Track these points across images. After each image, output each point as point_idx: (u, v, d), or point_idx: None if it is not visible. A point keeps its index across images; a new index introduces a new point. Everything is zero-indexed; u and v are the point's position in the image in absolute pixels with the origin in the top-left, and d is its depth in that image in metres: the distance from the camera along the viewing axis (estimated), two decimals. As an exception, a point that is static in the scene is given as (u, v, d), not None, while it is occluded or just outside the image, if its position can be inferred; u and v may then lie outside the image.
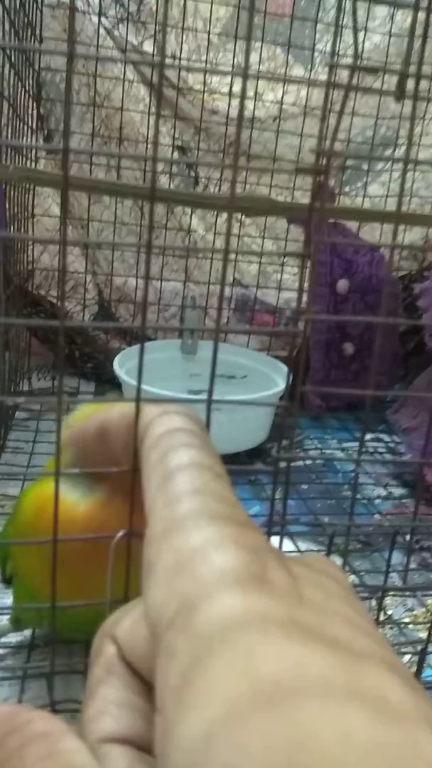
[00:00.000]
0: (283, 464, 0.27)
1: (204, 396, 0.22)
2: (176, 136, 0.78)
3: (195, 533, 0.14)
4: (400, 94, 0.21)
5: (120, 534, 0.25)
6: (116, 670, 0.16)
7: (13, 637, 0.36)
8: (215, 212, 0.81)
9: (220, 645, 0.12)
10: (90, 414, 0.24)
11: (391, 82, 0.63)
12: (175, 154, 0.79)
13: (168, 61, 0.76)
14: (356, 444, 0.70)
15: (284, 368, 0.72)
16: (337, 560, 0.47)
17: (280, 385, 0.69)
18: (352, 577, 0.45)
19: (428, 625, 0.36)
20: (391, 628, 0.41)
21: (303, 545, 0.49)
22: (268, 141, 0.76)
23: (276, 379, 0.71)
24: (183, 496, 0.16)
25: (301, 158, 0.75)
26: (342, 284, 0.77)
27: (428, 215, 0.74)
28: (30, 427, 0.67)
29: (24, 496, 0.31)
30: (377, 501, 0.57)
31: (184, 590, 0.13)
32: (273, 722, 0.10)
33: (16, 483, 0.54)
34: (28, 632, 0.36)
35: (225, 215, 0.79)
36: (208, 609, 0.13)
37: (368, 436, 0.73)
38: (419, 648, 0.35)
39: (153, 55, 0.76)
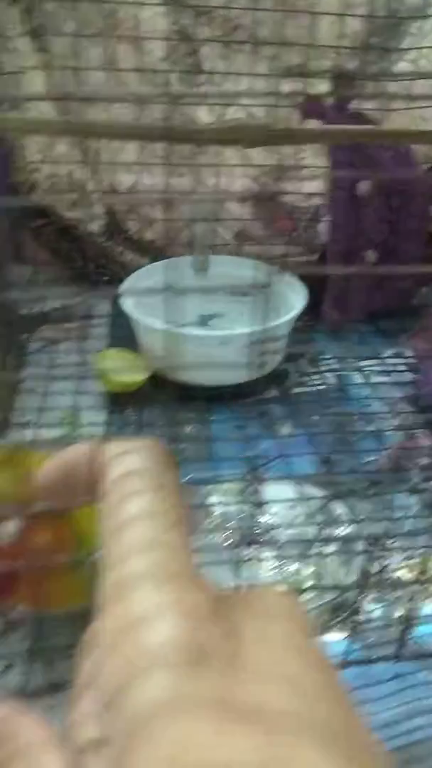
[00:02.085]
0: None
1: (216, 323, 0.21)
2: (173, 21, 0.69)
3: (139, 599, 0.15)
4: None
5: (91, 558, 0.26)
6: (95, 683, 0.17)
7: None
8: (225, 105, 0.74)
9: (147, 733, 0.12)
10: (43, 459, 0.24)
11: None
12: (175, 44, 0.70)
13: None
14: (376, 362, 0.68)
15: (300, 285, 0.68)
16: (341, 507, 0.48)
17: (296, 306, 0.66)
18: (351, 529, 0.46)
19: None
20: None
21: (309, 490, 0.49)
22: (276, 22, 0.66)
23: (291, 298, 0.68)
24: (131, 554, 0.16)
25: (317, 40, 0.66)
26: (363, 186, 0.70)
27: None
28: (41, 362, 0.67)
29: None
30: (388, 433, 0.56)
31: (123, 665, 0.14)
32: None
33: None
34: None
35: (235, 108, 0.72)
36: (139, 692, 0.13)
37: (388, 351, 0.71)
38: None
39: None
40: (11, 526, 0.26)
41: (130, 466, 0.19)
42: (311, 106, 0.66)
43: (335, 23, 0.65)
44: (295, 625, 0.15)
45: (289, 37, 0.66)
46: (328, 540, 0.45)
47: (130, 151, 0.77)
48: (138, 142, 0.74)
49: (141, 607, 0.14)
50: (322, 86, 0.69)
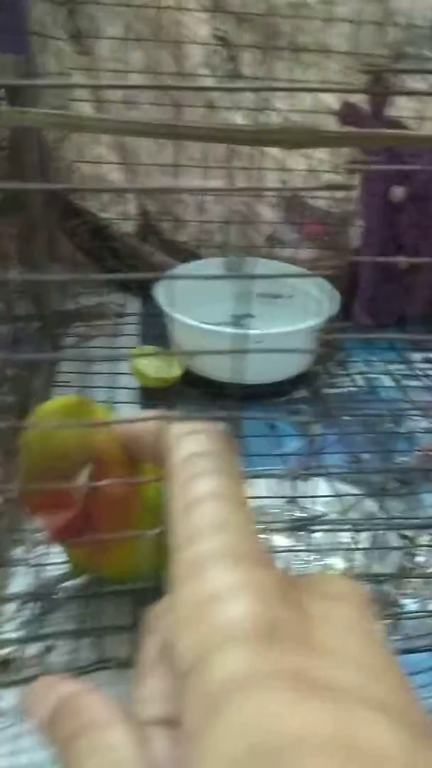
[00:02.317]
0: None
1: (249, 323, 0.22)
2: (216, 26, 0.70)
3: (213, 578, 0.15)
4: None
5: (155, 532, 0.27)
6: (161, 657, 0.18)
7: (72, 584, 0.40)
8: (261, 110, 0.75)
9: (225, 704, 0.13)
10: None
11: None
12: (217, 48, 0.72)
13: None
14: (404, 366, 0.69)
15: (333, 289, 0.69)
16: (374, 504, 0.48)
17: (326, 306, 0.67)
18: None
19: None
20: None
21: (342, 487, 0.50)
22: (317, 30, 0.68)
23: (323, 301, 0.69)
24: (203, 533, 0.16)
25: (356, 48, 0.67)
26: (397, 192, 0.71)
27: None
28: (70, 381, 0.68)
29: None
30: (419, 434, 0.57)
31: (199, 641, 0.14)
32: None
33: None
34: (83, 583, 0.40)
35: (268, 113, 0.73)
36: (216, 666, 0.13)
37: (417, 356, 0.71)
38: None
39: None
40: (83, 476, 0.27)
41: (196, 447, 0.19)
42: (349, 113, 0.67)
43: (376, 32, 0.66)
44: (358, 609, 0.16)
45: (328, 45, 0.67)
46: (359, 529, 0.45)
47: (166, 154, 0.78)
48: (175, 144, 0.76)
49: (214, 585, 0.15)
50: (358, 96, 0.70)
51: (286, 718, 0.12)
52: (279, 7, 0.68)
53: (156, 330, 0.68)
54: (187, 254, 0.83)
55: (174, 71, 0.72)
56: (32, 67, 0.60)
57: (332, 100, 0.73)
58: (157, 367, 0.62)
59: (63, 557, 0.38)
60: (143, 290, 0.83)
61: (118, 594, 0.38)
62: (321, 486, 0.50)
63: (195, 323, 0.61)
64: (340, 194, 0.78)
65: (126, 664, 0.34)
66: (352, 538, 0.44)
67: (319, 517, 0.47)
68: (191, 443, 0.19)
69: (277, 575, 0.16)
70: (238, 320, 0.73)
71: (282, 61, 0.70)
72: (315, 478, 0.51)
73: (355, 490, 0.49)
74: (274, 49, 0.69)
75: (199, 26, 0.71)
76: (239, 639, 0.14)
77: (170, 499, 0.18)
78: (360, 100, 0.69)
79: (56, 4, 0.68)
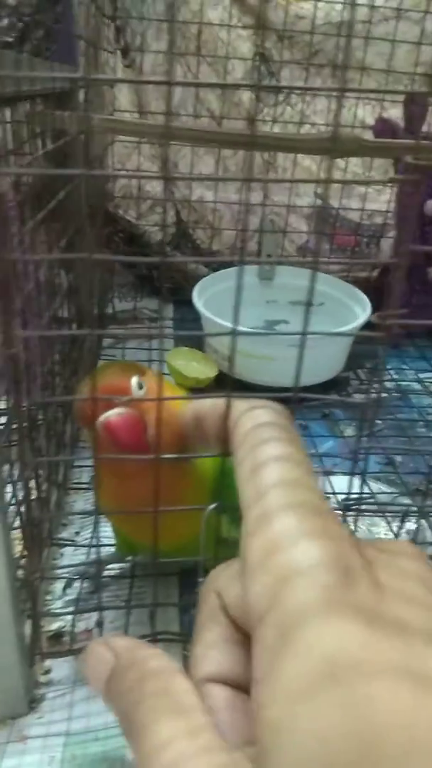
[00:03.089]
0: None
1: (281, 329, 0.23)
2: (258, 43, 0.73)
3: (283, 523, 0.16)
4: None
5: (210, 507, 0.28)
6: (217, 619, 0.19)
7: (117, 565, 0.41)
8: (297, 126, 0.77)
9: (301, 630, 0.14)
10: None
11: None
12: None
13: None
14: (433, 375, 0.70)
15: (363, 297, 0.71)
16: (407, 500, 0.49)
17: (359, 314, 0.68)
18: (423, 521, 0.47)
19: None
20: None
21: (375, 486, 0.51)
22: (356, 48, 0.70)
23: (354, 308, 0.71)
24: (271, 489, 0.17)
25: (392, 66, 0.69)
26: (430, 205, 0.73)
27: None
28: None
29: None
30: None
31: (272, 581, 0.15)
32: (340, 699, 0.12)
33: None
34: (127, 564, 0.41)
35: (306, 126, 0.75)
36: (293, 597, 0.14)
37: (447, 366, 0.72)
38: None
39: None
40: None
41: (261, 419, 0.20)
42: (383, 127, 0.69)
43: (411, 51, 0.69)
44: (418, 561, 0.17)
45: (367, 63, 0.69)
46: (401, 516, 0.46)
47: (202, 165, 0.80)
48: (216, 156, 0.78)
49: (288, 530, 0.15)
50: (393, 110, 0.73)
51: (359, 644, 0.13)
52: (319, 26, 0.70)
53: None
54: (221, 262, 0.85)
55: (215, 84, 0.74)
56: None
57: (368, 116, 0.75)
58: (194, 368, 0.64)
59: (110, 539, 0.40)
60: (175, 296, 0.85)
61: (165, 574, 0.39)
62: (355, 484, 0.51)
63: (231, 326, 0.62)
64: (371, 206, 0.80)
65: (176, 638, 0.35)
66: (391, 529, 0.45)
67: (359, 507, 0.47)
68: (258, 415, 0.21)
69: (342, 524, 0.16)
70: (271, 326, 0.75)
71: (320, 77, 0.72)
72: (348, 477, 0.51)
73: (390, 489, 0.50)
74: (312, 65, 0.71)
75: (240, 43, 0.74)
76: (314, 574, 0.14)
77: (238, 464, 0.19)
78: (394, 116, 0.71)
79: (106, 18, 0.71)
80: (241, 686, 0.17)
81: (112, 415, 0.28)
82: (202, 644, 0.18)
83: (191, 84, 0.77)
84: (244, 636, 0.18)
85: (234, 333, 0.25)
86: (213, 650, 0.18)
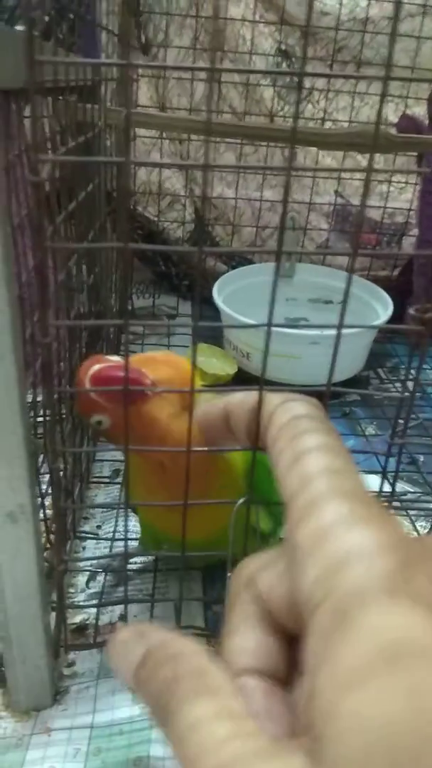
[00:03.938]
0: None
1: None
2: (280, 39, 0.73)
3: (335, 509, 0.15)
4: None
5: (241, 501, 0.28)
6: (250, 610, 0.18)
7: (140, 559, 0.41)
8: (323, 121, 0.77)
9: (361, 614, 0.13)
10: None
11: None
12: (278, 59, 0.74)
13: None
14: (455, 375, 0.69)
15: (385, 295, 0.70)
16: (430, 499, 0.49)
17: (379, 312, 0.68)
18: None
19: None
20: None
21: (398, 485, 0.50)
22: (381, 45, 0.69)
23: (375, 306, 0.70)
24: (315, 477, 0.17)
25: (418, 63, 0.69)
26: (452, 204, 0.72)
27: None
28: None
29: None
30: None
31: (327, 566, 0.14)
32: (404, 685, 0.12)
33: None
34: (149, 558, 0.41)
35: (327, 124, 0.74)
36: (352, 581, 0.14)
37: (468, 367, 0.71)
38: None
39: None
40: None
41: (297, 410, 0.20)
42: (408, 124, 0.69)
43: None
44: None
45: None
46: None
47: (225, 162, 0.80)
48: (236, 153, 0.78)
49: (341, 516, 0.15)
50: (418, 108, 0.72)
51: (423, 631, 0.13)
52: (343, 22, 0.70)
53: (207, 331, 0.70)
54: (240, 259, 0.85)
55: (236, 82, 0.74)
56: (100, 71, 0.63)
57: (391, 114, 0.74)
58: (213, 365, 0.64)
59: (133, 534, 0.39)
60: (193, 293, 0.85)
61: (189, 568, 0.39)
62: (376, 483, 0.50)
63: (252, 322, 0.62)
64: (393, 205, 0.80)
65: (201, 633, 0.35)
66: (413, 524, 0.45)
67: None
68: (293, 407, 0.20)
69: (387, 512, 0.16)
70: (290, 324, 0.75)
71: (343, 73, 0.72)
72: (371, 475, 0.51)
73: (413, 488, 0.50)
74: (336, 62, 0.71)
75: (263, 39, 0.74)
76: (373, 559, 0.14)
77: (277, 455, 0.19)
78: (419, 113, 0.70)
79: (129, 13, 0.71)
80: (277, 678, 0.17)
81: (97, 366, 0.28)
82: (234, 636, 0.18)
83: (234, 70, 0.77)
84: (278, 628, 0.18)
85: (269, 325, 0.24)
86: (247, 642, 0.18)
